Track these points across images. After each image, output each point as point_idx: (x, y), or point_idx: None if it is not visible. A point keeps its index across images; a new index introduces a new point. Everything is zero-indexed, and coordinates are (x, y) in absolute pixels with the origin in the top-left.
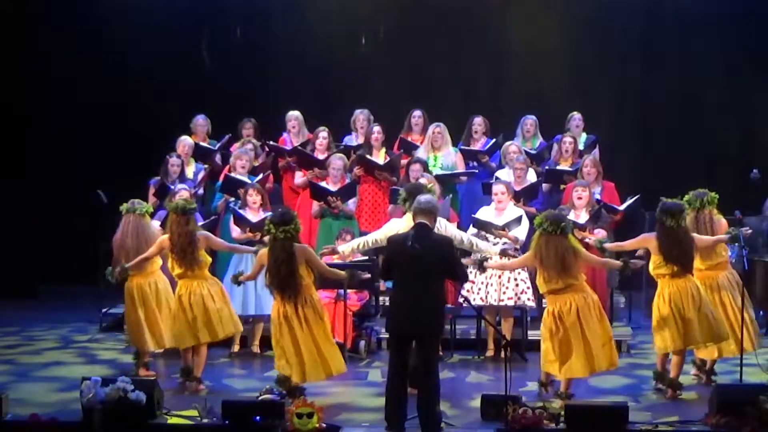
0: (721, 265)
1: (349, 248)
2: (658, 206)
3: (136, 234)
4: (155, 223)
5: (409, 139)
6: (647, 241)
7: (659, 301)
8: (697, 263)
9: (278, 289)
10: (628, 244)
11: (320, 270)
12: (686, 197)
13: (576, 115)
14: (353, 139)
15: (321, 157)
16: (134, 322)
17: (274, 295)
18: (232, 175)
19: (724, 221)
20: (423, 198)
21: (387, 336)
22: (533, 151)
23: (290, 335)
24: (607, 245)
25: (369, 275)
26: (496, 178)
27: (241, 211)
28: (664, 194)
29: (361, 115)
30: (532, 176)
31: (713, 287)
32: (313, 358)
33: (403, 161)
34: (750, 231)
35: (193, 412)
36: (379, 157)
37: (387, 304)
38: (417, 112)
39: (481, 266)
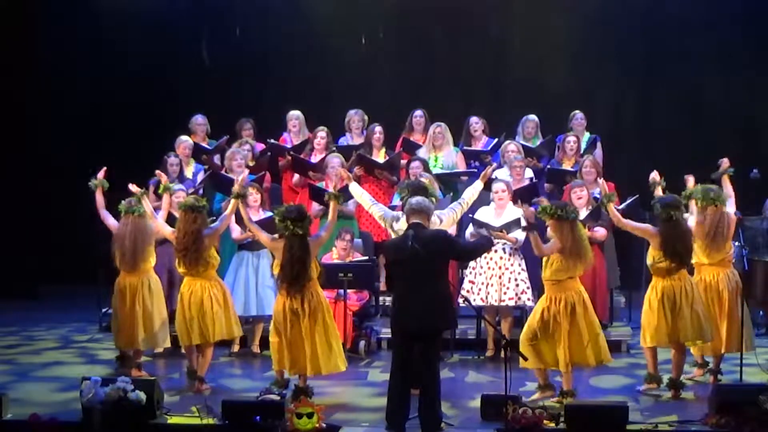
0: (724, 261)
1: (358, 189)
2: (656, 203)
3: (134, 236)
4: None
5: (412, 139)
6: (649, 234)
7: (651, 295)
8: (702, 258)
9: (288, 283)
10: (633, 226)
11: (324, 239)
12: (698, 194)
13: (578, 114)
14: (348, 140)
15: (319, 156)
16: (126, 321)
17: (279, 289)
18: (224, 173)
19: (733, 216)
20: (415, 199)
21: (387, 336)
22: (531, 146)
23: (297, 328)
24: (612, 208)
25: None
26: (495, 177)
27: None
28: (665, 194)
29: (355, 116)
30: (530, 175)
31: (713, 284)
32: (314, 352)
33: (404, 161)
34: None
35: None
36: (379, 157)
37: (388, 304)
38: (418, 112)
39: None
